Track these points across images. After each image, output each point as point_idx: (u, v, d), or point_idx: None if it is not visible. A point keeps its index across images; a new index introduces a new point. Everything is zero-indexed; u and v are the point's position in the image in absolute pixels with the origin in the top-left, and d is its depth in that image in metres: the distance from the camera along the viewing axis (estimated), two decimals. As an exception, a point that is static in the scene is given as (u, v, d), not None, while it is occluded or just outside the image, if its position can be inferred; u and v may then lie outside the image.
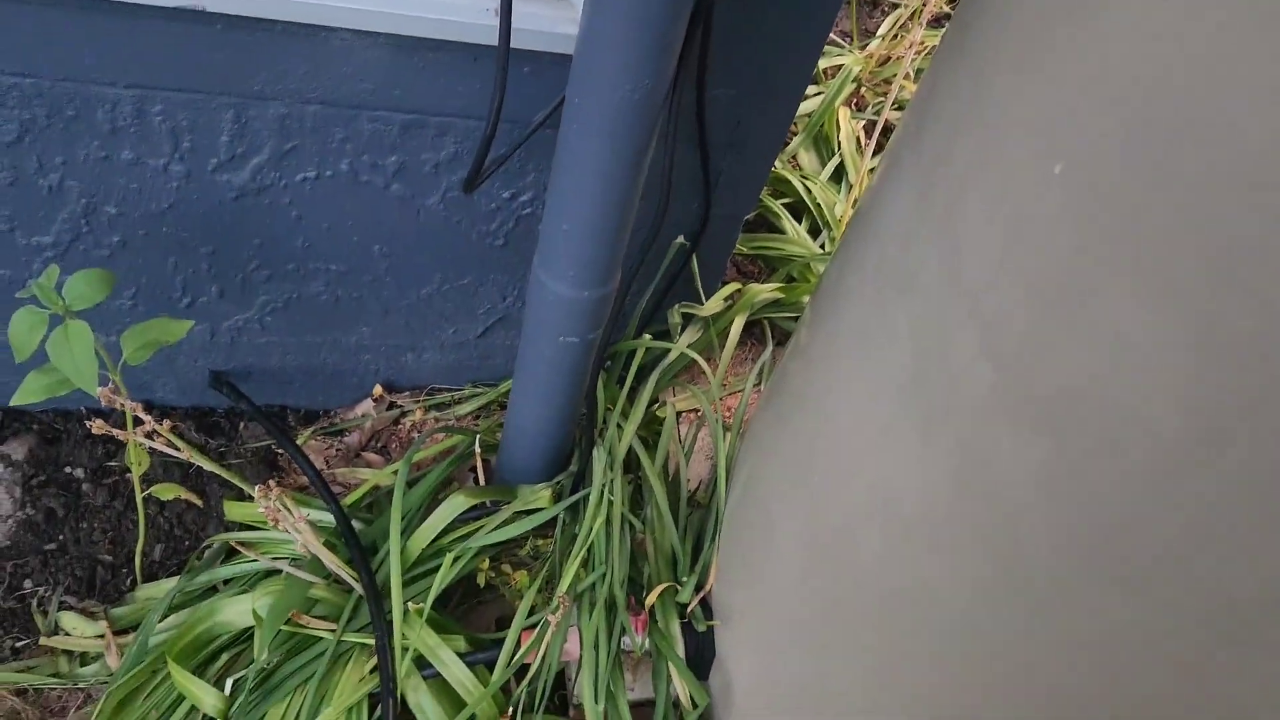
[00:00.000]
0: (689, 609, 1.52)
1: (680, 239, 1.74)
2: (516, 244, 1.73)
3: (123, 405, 1.31)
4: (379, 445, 2.00)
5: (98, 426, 1.29)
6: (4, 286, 1.65)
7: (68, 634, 1.67)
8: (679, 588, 1.54)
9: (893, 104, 2.60)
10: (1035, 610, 0.86)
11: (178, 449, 1.40)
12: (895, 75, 2.63)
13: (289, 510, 1.37)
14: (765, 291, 1.98)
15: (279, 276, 1.71)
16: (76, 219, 1.55)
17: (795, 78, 1.58)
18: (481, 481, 1.73)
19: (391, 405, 2.04)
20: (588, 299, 1.39)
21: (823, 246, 2.25)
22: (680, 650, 1.48)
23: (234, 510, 1.77)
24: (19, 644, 1.66)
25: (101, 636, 1.65)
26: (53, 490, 1.84)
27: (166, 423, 1.39)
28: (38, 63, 1.34)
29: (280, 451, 1.96)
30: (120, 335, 1.47)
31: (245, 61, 1.38)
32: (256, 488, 1.26)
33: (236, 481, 1.58)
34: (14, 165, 1.46)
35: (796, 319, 2.10)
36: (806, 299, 2.09)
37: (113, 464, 1.89)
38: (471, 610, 1.68)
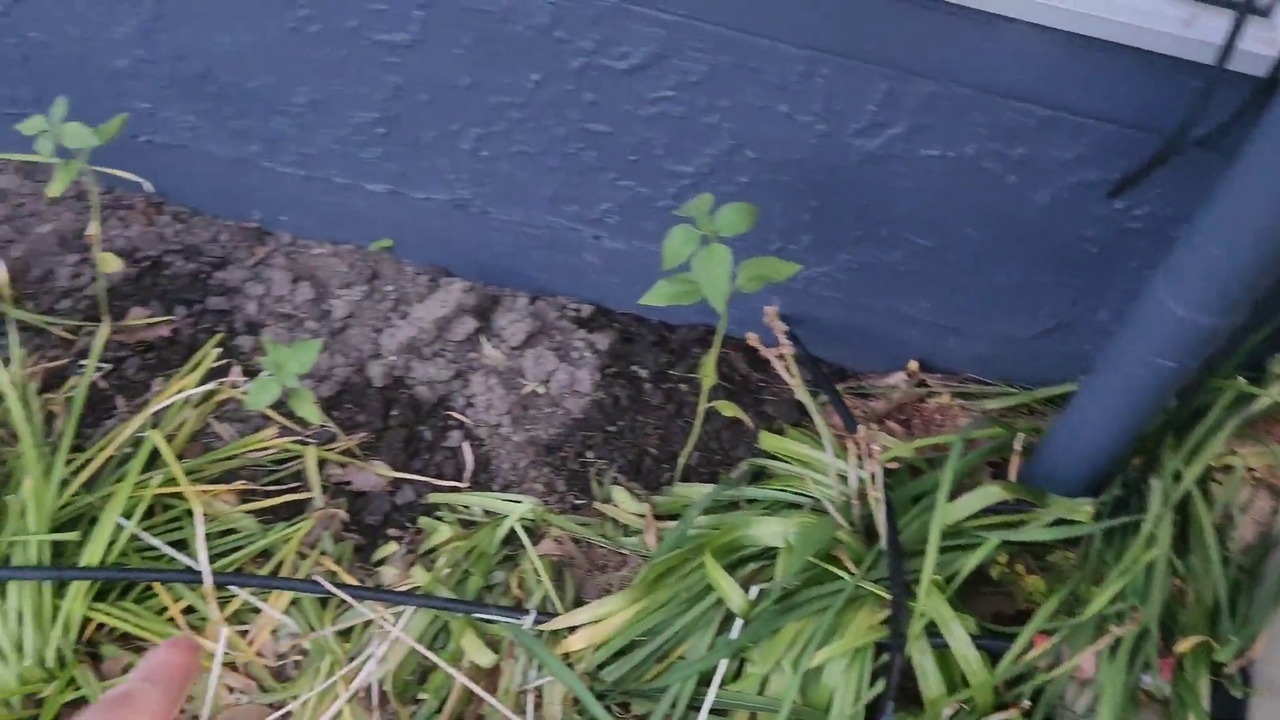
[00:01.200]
0: (1224, 669, 1.44)
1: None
2: (1110, 254, 1.70)
3: (776, 323, 1.48)
4: (902, 418, 2.08)
5: (752, 339, 1.48)
6: (639, 201, 1.92)
7: (616, 505, 1.94)
8: (1215, 645, 1.46)
9: None
10: None
11: (790, 377, 1.57)
12: None
13: (868, 454, 1.49)
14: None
15: (869, 240, 1.83)
16: (719, 157, 1.76)
17: None
18: (1013, 478, 1.74)
19: (921, 383, 2.11)
20: (1204, 325, 1.35)
21: None
22: (1205, 707, 1.42)
23: (768, 440, 1.95)
24: (578, 502, 1.96)
25: (643, 516, 1.90)
26: (622, 382, 2.13)
27: (789, 346, 1.56)
28: (740, 18, 1.53)
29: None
30: (740, 263, 1.67)
31: (915, 38, 1.48)
32: (858, 429, 1.37)
33: (819, 420, 1.72)
34: (689, 102, 1.69)
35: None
36: None
37: (672, 372, 2.14)
38: (974, 596, 1.72)
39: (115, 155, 2.12)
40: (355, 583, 1.79)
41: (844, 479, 1.77)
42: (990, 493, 1.66)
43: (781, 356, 1.52)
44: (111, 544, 1.67)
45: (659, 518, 1.90)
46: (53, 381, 2.02)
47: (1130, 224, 1.64)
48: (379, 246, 2.26)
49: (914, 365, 2.09)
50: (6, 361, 1.87)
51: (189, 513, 1.79)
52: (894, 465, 1.81)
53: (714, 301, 1.52)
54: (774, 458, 1.95)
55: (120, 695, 0.47)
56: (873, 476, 1.50)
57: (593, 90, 1.72)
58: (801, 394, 1.63)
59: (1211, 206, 1.26)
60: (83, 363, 1.99)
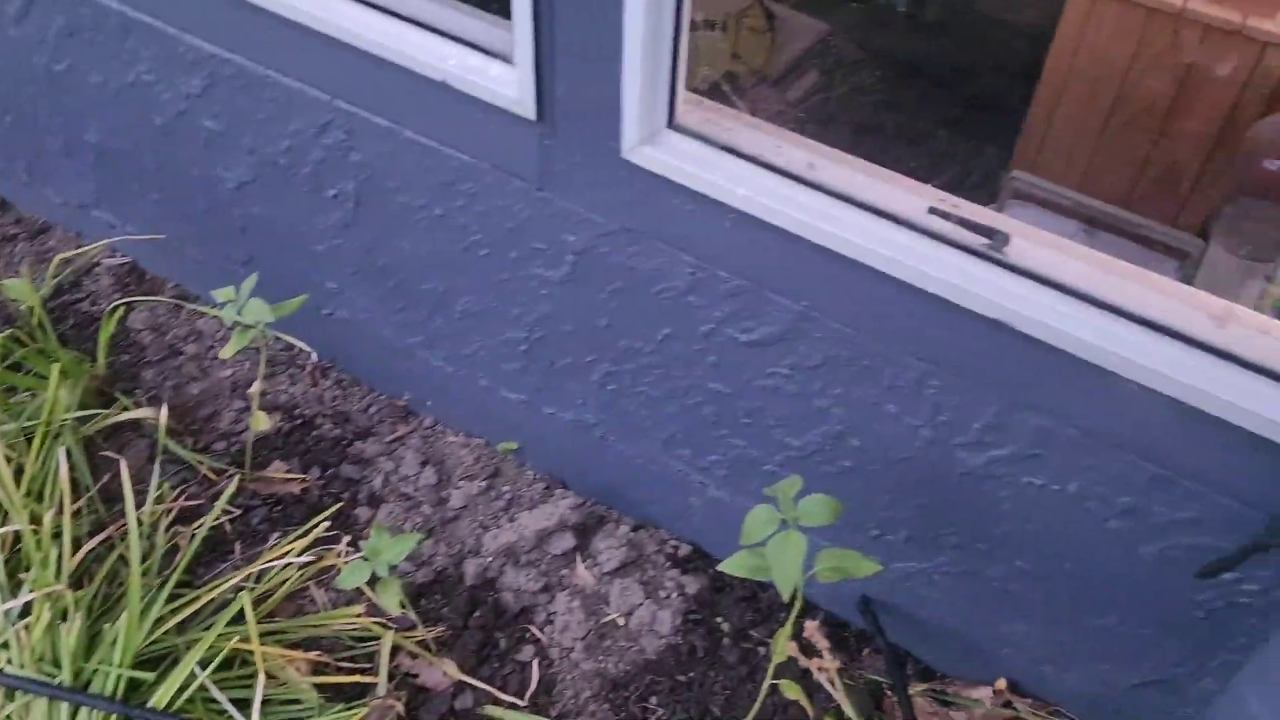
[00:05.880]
0: None
1: None
2: (1218, 623, 1.60)
3: (816, 636, 1.48)
4: (981, 737, 1.97)
5: (815, 665, 1.48)
6: (748, 460, 1.96)
7: (664, 760, 1.90)
8: None
9: None
10: None
11: (834, 688, 1.54)
12: None
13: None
14: None
15: (965, 549, 1.79)
16: (826, 439, 1.80)
17: None
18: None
19: (1008, 704, 1.99)
20: (1292, 739, 1.24)
21: None
22: None
23: (833, 730, 1.88)
24: (624, 747, 1.94)
25: (688, 779, 1.85)
26: (702, 631, 2.12)
27: (836, 662, 1.54)
28: (861, 322, 1.59)
29: (887, 694, 2.03)
30: (814, 540, 1.67)
31: (1026, 374, 1.49)
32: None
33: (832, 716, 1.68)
34: (803, 382, 1.74)
35: None
36: None
37: (753, 633, 2.12)
38: None
39: (299, 321, 2.35)
40: (391, 780, 1.81)
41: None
42: None
43: (824, 670, 1.49)
44: (183, 688, 1.76)
45: (704, 786, 1.85)
46: (190, 515, 2.20)
47: (1240, 598, 1.54)
48: (505, 448, 2.38)
49: (1002, 684, 1.98)
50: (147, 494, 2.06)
51: (267, 673, 1.88)
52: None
53: (781, 588, 1.52)
54: (836, 749, 1.88)
55: None
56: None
57: (716, 354, 1.81)
58: (848, 707, 1.58)
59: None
60: (216, 504, 2.16)
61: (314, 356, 2.39)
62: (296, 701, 1.89)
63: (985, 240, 1.47)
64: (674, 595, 2.16)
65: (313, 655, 1.95)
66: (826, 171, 1.58)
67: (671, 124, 1.61)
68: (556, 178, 1.74)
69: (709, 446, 2.00)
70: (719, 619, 2.14)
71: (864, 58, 3.89)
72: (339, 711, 1.87)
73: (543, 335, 2.03)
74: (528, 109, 1.65)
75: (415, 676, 2.00)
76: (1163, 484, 1.48)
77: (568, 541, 2.22)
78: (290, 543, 2.08)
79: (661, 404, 1.98)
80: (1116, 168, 3.02)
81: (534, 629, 2.10)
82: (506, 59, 1.65)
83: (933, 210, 1.51)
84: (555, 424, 2.21)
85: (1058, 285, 1.43)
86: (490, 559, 2.19)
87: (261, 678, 1.76)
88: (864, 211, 1.53)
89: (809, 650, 2.09)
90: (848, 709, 1.60)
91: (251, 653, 1.87)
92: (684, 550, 2.24)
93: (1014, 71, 3.51)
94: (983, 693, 2.01)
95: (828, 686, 1.55)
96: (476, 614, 2.11)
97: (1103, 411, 1.46)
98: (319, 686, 1.92)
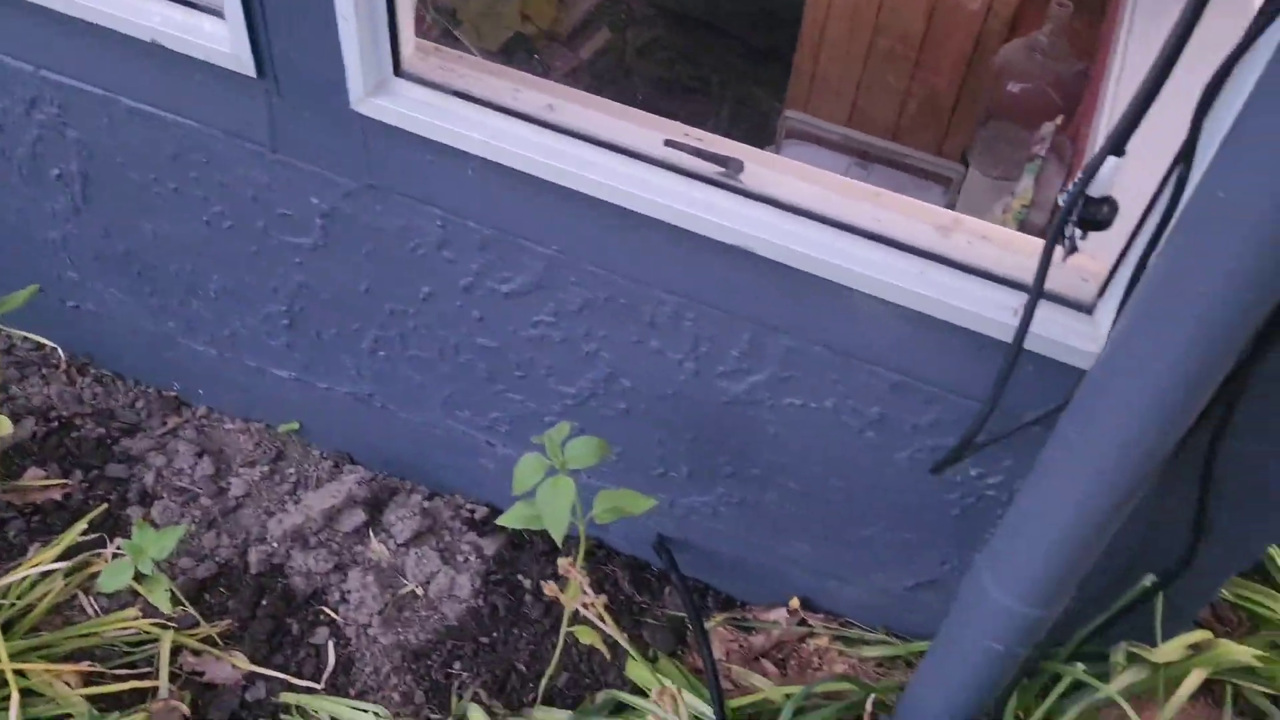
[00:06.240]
0: None
1: (1149, 579, 1.59)
2: (971, 519, 1.69)
3: (572, 573, 1.48)
4: (780, 657, 2.03)
5: (550, 590, 1.47)
6: (528, 414, 1.94)
7: (469, 725, 1.88)
8: None
9: None
10: None
11: (603, 622, 1.55)
12: None
13: (677, 705, 1.45)
14: (1239, 653, 1.72)
15: (741, 477, 1.83)
16: (598, 382, 1.79)
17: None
18: (864, 741, 1.68)
19: (803, 622, 2.06)
20: (1026, 615, 1.32)
21: (1334, 624, 1.92)
22: None
23: (634, 669, 1.90)
24: (433, 716, 1.90)
25: (494, 738, 1.84)
26: (503, 590, 2.10)
27: (602, 598, 1.54)
28: (613, 262, 1.59)
29: (689, 628, 2.06)
30: (599, 485, 1.67)
31: (773, 297, 1.52)
32: (653, 692, 1.34)
33: (636, 657, 1.70)
34: (568, 328, 1.73)
35: (1273, 698, 1.80)
36: (1293, 678, 1.79)
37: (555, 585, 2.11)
38: None
39: (42, 316, 2.18)
40: (178, 784, 1.72)
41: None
42: (832, 757, 1.59)
43: (590, 606, 1.50)
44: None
45: (511, 742, 1.84)
46: (-63, 535, 2.02)
47: (986, 491, 1.63)
48: (287, 428, 2.28)
49: (795, 603, 2.05)
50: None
51: (30, 691, 1.75)
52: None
53: (554, 532, 1.51)
54: (640, 690, 1.90)
55: None
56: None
57: (479, 308, 1.77)
58: (616, 634, 1.60)
59: (1025, 496, 1.27)
60: (-37, 521, 1.99)
61: (60, 353, 2.23)
62: (68, 716, 1.76)
63: (720, 169, 1.49)
64: (472, 558, 2.13)
65: (83, 666, 1.83)
66: (565, 112, 1.56)
67: (400, 72, 1.56)
68: (290, 138, 1.66)
69: (488, 404, 1.96)
70: (519, 576, 2.12)
71: (652, 13, 3.91)
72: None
73: (304, 307, 1.94)
74: (246, 65, 1.56)
75: (201, 674, 1.91)
76: (904, 391, 1.55)
77: (358, 517, 2.15)
78: (49, 551, 1.94)
79: (434, 366, 1.93)
80: (881, 101, 3.13)
81: (328, 610, 2.03)
82: (217, 13, 1.55)
83: (668, 143, 1.51)
84: (333, 399, 2.13)
85: (791, 208, 1.46)
86: (276, 545, 2.10)
87: (15, 696, 1.64)
88: (602, 149, 1.52)
89: (607, 593, 2.11)
90: (621, 640, 1.62)
91: (17, 671, 1.74)
92: (480, 512, 2.21)
93: (786, 18, 3.60)
94: (778, 614, 2.07)
95: (598, 623, 1.55)
96: (264, 602, 2.02)
97: (844, 327, 1.51)
98: (94, 697, 1.81)
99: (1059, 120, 2.44)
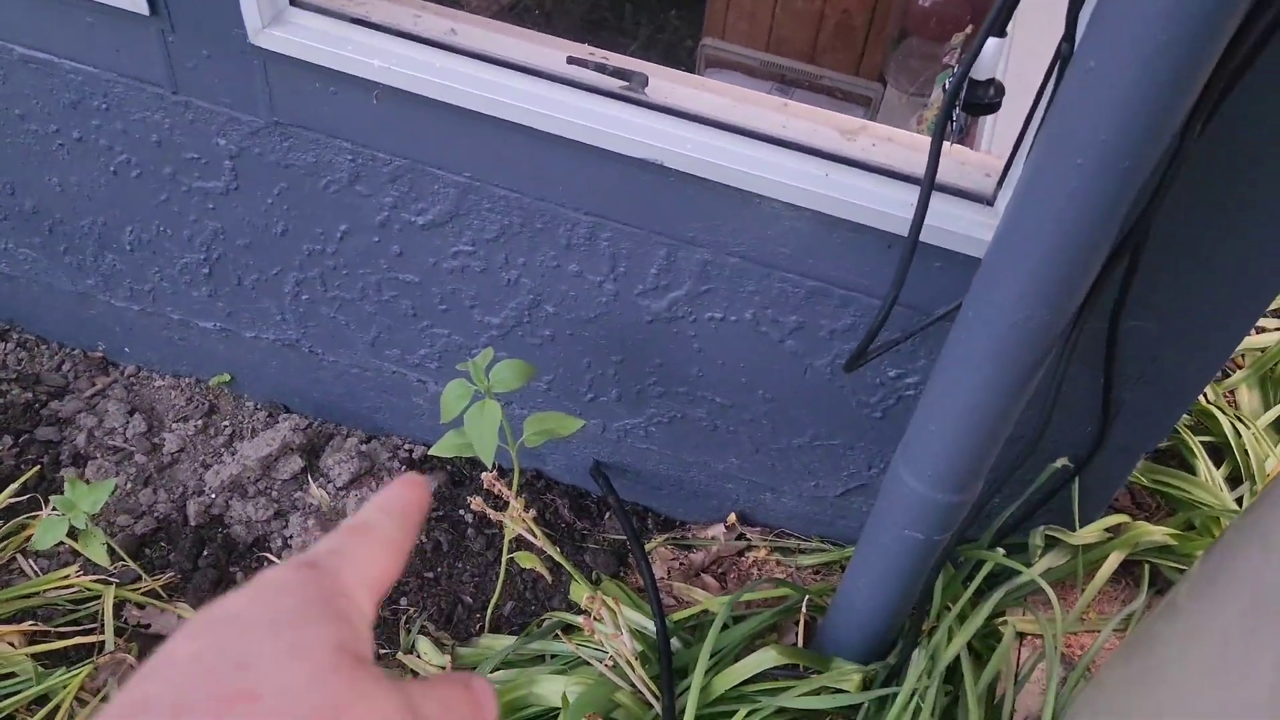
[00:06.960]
0: None
1: (1062, 461, 1.64)
2: (893, 419, 1.74)
3: (499, 489, 1.49)
4: (720, 571, 2.08)
5: (477, 504, 1.49)
6: (455, 348, 1.95)
7: (419, 656, 1.90)
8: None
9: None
10: None
11: (534, 537, 1.57)
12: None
13: (615, 615, 1.48)
14: (1155, 533, 1.80)
15: (670, 395, 1.85)
16: (522, 310, 1.80)
17: (1235, 322, 1.45)
18: (800, 643, 1.73)
19: (740, 536, 2.11)
20: (940, 501, 1.37)
21: (1240, 501, 2.00)
22: None
23: (577, 591, 1.93)
24: (383, 651, 1.93)
25: (444, 668, 1.86)
26: (445, 526, 2.11)
27: (531, 512, 1.57)
28: (524, 185, 1.59)
29: (630, 551, 2.10)
30: (530, 414, 1.69)
31: (685, 210, 1.54)
32: (584, 597, 1.37)
33: (577, 577, 1.72)
34: (487, 257, 1.73)
35: (1185, 571, 1.88)
36: (1200, 553, 1.86)
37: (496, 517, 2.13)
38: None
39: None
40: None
41: (640, 635, 1.76)
42: (768, 656, 1.64)
43: (519, 519, 1.52)
44: None
45: (461, 669, 1.86)
46: None
47: (906, 391, 1.68)
48: (218, 381, 2.27)
49: (733, 518, 2.09)
50: None
51: (-31, 653, 1.74)
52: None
53: (484, 456, 1.53)
54: (586, 612, 1.93)
55: (359, 524, 0.46)
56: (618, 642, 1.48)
57: (398, 242, 1.77)
58: (550, 549, 1.62)
59: (930, 383, 1.30)
60: (-114, 493, 1.96)
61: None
62: (11, 675, 1.76)
63: (623, 83, 1.49)
64: (412, 497, 2.14)
65: (25, 626, 1.82)
66: (467, 35, 1.55)
67: (296, 2, 1.53)
68: (190, 77, 1.63)
69: (415, 341, 1.97)
70: (460, 511, 2.14)
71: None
72: (60, 675, 1.76)
73: (221, 254, 1.92)
74: (138, 3, 1.53)
75: (147, 626, 1.91)
76: (819, 296, 1.58)
77: (296, 464, 2.15)
78: (-21, 517, 1.92)
79: (358, 305, 1.93)
80: (797, 25, 3.13)
81: (270, 556, 2.03)
82: (102, -50, 1.52)
83: (571, 59, 1.51)
84: (261, 347, 2.12)
85: (696, 118, 1.47)
86: (215, 496, 2.10)
87: (-47, 656, 1.63)
88: (506, 70, 1.51)
89: (555, 523, 2.14)
90: (562, 560, 1.65)
91: (-50, 636, 1.73)
92: (418, 451, 2.22)
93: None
94: (716, 530, 2.11)
95: (534, 540, 1.58)
96: (206, 553, 2.02)
97: (756, 236, 1.53)
98: (39, 655, 1.80)
99: (969, 30, 2.47)
